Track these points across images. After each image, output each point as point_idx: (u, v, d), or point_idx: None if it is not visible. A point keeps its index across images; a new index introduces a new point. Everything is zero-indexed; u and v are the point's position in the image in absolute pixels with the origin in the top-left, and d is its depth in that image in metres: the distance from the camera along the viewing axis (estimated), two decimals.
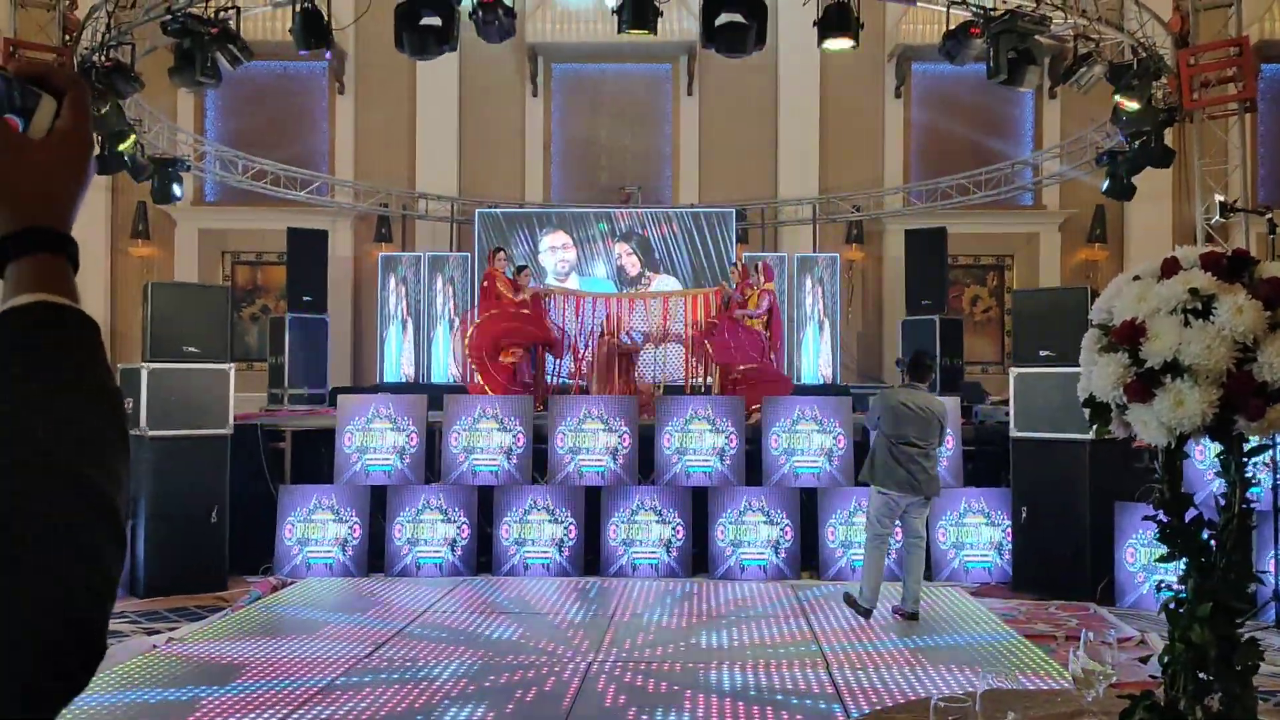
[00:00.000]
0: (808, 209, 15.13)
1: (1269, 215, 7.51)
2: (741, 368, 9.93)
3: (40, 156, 0.89)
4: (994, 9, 9.78)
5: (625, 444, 8.60)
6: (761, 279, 10.35)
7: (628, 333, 10.39)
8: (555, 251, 14.49)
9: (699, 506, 8.51)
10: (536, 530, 8.45)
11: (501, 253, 10.47)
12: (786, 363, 12.51)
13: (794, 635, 6.56)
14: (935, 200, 14.53)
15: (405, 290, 14.15)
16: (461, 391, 9.94)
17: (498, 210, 14.75)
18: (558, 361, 10.51)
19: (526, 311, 10.14)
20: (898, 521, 6.88)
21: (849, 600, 6.91)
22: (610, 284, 14.13)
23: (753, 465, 8.69)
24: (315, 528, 8.46)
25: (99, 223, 14.75)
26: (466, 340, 10.12)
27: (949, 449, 8.23)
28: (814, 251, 14.64)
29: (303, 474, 8.98)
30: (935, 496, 6.87)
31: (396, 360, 14.09)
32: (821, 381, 13.74)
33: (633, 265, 14.47)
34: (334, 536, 8.44)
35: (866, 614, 6.79)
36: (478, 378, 9.99)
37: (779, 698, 5.23)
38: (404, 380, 13.81)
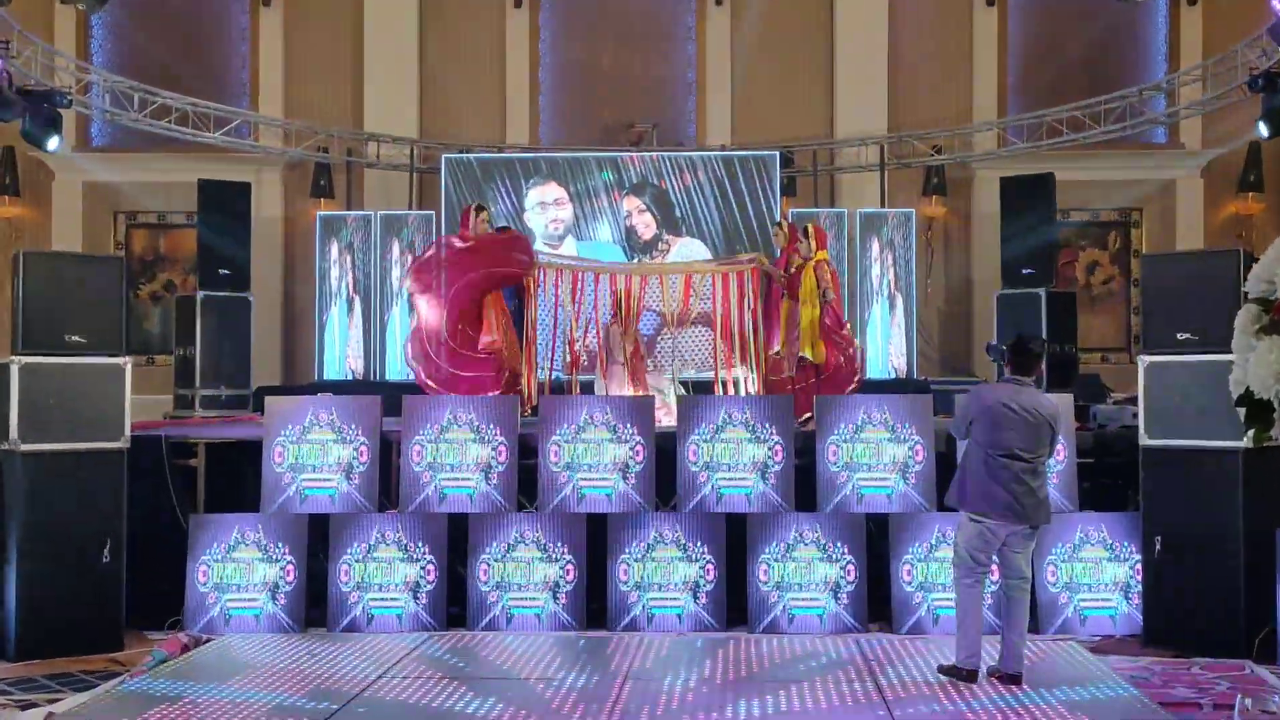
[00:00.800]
0: (874, 151, 14.90)
1: None
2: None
3: None
4: None
5: (639, 457, 8.53)
6: (813, 244, 10.22)
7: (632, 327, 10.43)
8: (546, 209, 14.34)
9: (735, 538, 8.38)
10: (524, 570, 8.38)
11: (485, 212, 10.38)
12: None
13: (858, 699, 6.56)
14: (1040, 138, 14.31)
15: (351, 260, 14.01)
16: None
17: (471, 156, 14.59)
18: (549, 347, 10.48)
19: (470, 243, 10.00)
20: (994, 557, 6.80)
21: (947, 671, 6.87)
22: (618, 250, 14.02)
23: (805, 484, 8.57)
24: (237, 569, 8.37)
25: None
26: (411, 349, 10.15)
27: (1060, 461, 8.19)
28: (882, 206, 14.40)
29: (220, 500, 8.87)
30: (1044, 525, 6.82)
31: (341, 351, 13.96)
32: (893, 375, 13.54)
33: (646, 226, 14.31)
34: (262, 580, 8.37)
35: (971, 677, 6.75)
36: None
37: None
38: (350, 378, 13.72)
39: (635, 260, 13.76)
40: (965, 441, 6.93)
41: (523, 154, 14.87)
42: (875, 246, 13.96)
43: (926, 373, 13.99)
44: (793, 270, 10.25)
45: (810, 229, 10.46)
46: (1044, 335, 10.55)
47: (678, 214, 14.26)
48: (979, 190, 15.04)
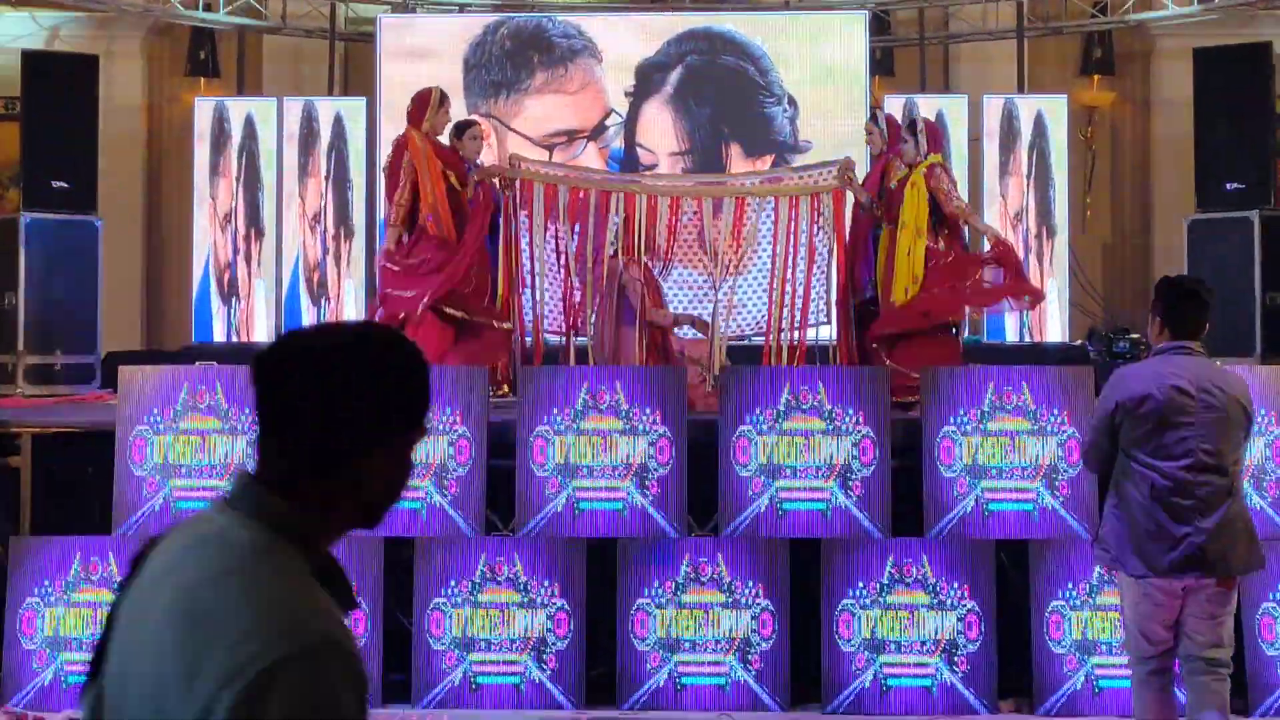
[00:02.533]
0: (1008, 10, 14.18)
1: None
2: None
3: None
4: None
5: (664, 457, 7.83)
6: (922, 145, 9.28)
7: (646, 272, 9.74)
8: (526, 95, 14.05)
9: (804, 576, 7.69)
10: (495, 621, 7.71)
11: (447, 102, 9.76)
12: None
13: None
14: None
15: (243, 169, 13.24)
16: None
17: (416, 14, 14.02)
18: (534, 306, 9.84)
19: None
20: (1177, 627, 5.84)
21: None
22: (632, 156, 13.51)
23: (907, 496, 7.84)
24: (80, 617, 7.67)
25: None
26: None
27: None
28: (1020, 91, 13.82)
29: (55, 516, 8.18)
30: (1251, 572, 6.07)
31: (230, 303, 13.70)
32: (1033, 340, 13.13)
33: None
34: None
35: None
36: None
37: None
38: (240, 340, 13.40)
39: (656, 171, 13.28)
40: (1108, 449, 5.89)
41: (492, 13, 14.33)
42: (1014, 151, 13.33)
43: (1084, 336, 13.28)
44: (894, 184, 9.36)
45: (920, 124, 9.62)
46: (1256, 278, 10.26)
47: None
48: (1162, 68, 14.37)
